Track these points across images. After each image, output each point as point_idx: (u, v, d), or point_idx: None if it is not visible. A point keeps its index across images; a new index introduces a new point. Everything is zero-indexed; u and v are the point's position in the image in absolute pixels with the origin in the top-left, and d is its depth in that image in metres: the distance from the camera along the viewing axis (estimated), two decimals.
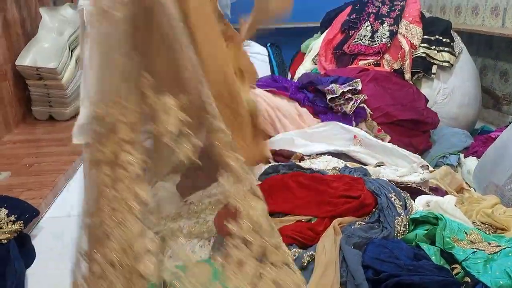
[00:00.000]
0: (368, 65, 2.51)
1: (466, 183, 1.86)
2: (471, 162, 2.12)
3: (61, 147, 2.72)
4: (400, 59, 2.48)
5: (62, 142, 2.76)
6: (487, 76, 3.09)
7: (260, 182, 1.44)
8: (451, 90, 2.48)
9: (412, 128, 2.25)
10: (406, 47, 2.50)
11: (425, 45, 2.51)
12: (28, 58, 3.08)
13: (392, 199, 1.29)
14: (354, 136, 2.00)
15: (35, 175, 2.40)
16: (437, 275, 1.01)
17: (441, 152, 2.22)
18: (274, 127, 2.12)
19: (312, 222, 1.24)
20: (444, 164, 2.06)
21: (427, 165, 1.73)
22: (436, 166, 2.06)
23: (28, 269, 1.60)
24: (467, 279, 1.06)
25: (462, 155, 2.19)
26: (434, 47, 2.50)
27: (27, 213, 1.81)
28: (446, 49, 2.48)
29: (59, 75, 3.11)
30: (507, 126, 2.03)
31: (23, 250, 1.62)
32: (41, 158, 2.63)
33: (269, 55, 3.50)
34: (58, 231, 1.89)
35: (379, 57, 2.53)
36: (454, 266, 1.12)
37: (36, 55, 3.11)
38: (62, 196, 2.28)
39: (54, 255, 1.70)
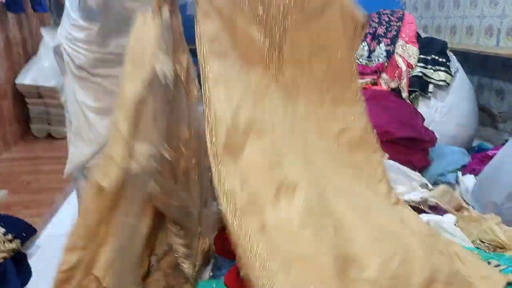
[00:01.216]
0: (366, 84, 2.54)
1: (465, 201, 1.86)
2: (469, 180, 2.12)
3: (60, 165, 2.70)
4: (397, 78, 2.52)
5: (60, 160, 2.74)
6: (483, 94, 3.13)
7: None
8: (449, 109, 2.51)
9: (410, 146, 2.26)
10: (403, 66, 2.53)
11: (422, 64, 2.55)
12: (28, 77, 3.11)
13: None
14: None
15: (33, 193, 2.39)
16: None
17: (439, 170, 2.23)
18: None
19: None
20: (442, 182, 2.06)
21: (427, 184, 1.74)
22: (435, 184, 2.06)
23: None
24: None
25: (460, 173, 2.19)
26: (430, 66, 2.53)
27: (24, 232, 1.80)
28: (442, 68, 2.52)
29: (58, 94, 3.13)
30: (503, 144, 2.05)
31: (19, 269, 1.61)
32: (39, 176, 2.62)
33: None
34: (55, 250, 1.87)
35: (376, 76, 2.57)
36: None
37: (36, 74, 3.14)
38: (60, 214, 2.26)
39: (51, 274, 1.68)
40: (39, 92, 3.14)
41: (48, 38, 3.32)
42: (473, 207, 1.81)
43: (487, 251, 1.27)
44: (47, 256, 1.87)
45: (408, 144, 2.25)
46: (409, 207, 1.29)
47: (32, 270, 1.69)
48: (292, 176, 1.02)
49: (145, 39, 1.08)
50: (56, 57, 1.54)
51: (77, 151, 1.50)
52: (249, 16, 1.13)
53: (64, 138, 3.42)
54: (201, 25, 1.10)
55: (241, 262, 0.88)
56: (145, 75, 1.02)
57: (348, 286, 0.93)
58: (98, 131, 1.48)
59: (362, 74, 2.62)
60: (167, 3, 1.15)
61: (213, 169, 0.98)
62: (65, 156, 1.58)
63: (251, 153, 1.03)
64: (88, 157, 1.49)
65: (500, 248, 1.33)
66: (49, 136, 3.30)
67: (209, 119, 1.01)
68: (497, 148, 2.32)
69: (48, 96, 3.15)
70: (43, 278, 1.69)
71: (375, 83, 2.56)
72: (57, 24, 4.11)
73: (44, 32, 3.35)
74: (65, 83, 1.52)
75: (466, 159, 2.38)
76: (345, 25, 1.21)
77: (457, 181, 2.17)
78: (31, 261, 1.75)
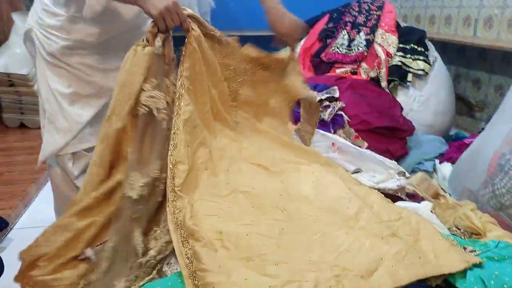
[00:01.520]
0: (345, 73, 2.54)
1: (442, 188, 1.88)
2: (446, 168, 2.15)
3: (33, 155, 2.64)
4: (376, 67, 2.52)
5: (34, 150, 2.68)
6: (460, 84, 3.17)
7: None
8: (427, 98, 2.53)
9: (389, 135, 2.27)
10: (382, 55, 2.53)
11: (401, 53, 2.56)
12: None
13: None
14: (333, 144, 2.00)
15: (5, 185, 2.32)
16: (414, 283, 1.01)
17: (417, 158, 2.25)
18: None
19: None
20: (420, 170, 2.08)
21: (404, 172, 1.75)
22: (413, 172, 2.08)
23: None
24: (443, 285, 1.07)
25: (437, 161, 2.22)
26: (409, 55, 2.54)
27: None
28: (421, 57, 2.53)
29: (30, 82, 3.03)
30: (480, 132, 2.08)
31: None
32: (12, 167, 2.55)
33: None
34: (29, 243, 1.82)
35: (356, 66, 2.56)
36: None
37: (7, 61, 3.03)
38: (33, 206, 2.21)
39: None
40: (10, 80, 3.04)
41: (20, 24, 3.20)
42: (449, 195, 1.84)
43: (463, 238, 1.28)
44: (20, 249, 1.82)
45: (387, 133, 2.27)
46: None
47: (4, 264, 1.64)
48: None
49: (136, 71, 1.15)
50: (27, 43, 1.48)
51: (51, 139, 1.45)
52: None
53: (38, 128, 3.34)
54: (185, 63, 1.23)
55: None
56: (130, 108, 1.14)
57: None
58: (72, 119, 1.44)
59: (342, 63, 2.61)
60: (162, 32, 1.19)
61: (169, 203, 1.09)
62: (39, 146, 1.53)
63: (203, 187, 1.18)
64: (61, 145, 1.44)
65: (476, 235, 1.34)
66: (22, 125, 3.20)
67: (172, 159, 1.14)
68: (473, 136, 2.36)
69: (20, 84, 3.05)
70: (15, 272, 1.66)
71: (354, 73, 2.56)
72: (29, 9, 3.97)
73: (15, 17, 3.23)
74: (37, 69, 1.46)
75: (444, 147, 2.41)
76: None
77: (434, 169, 2.19)
78: (3, 255, 1.70)
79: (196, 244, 0.98)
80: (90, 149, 1.47)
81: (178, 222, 1.05)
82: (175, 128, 1.17)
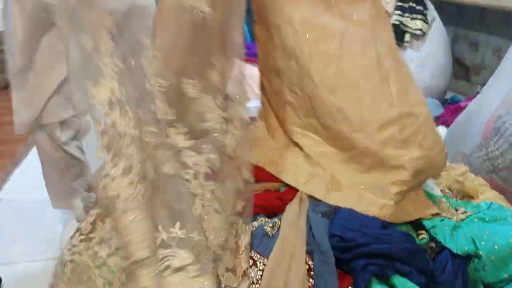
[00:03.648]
0: None
1: None
2: (440, 131, 2.13)
3: None
4: None
5: None
6: (457, 45, 3.10)
7: None
8: (424, 59, 2.47)
9: None
10: None
11: (399, 12, 2.47)
12: None
13: None
14: None
15: None
16: (404, 243, 1.00)
17: None
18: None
19: (281, 191, 1.21)
20: None
21: None
22: None
23: None
24: (432, 244, 1.07)
25: None
26: (407, 14, 2.46)
27: None
28: (419, 16, 2.45)
29: None
30: (475, 96, 2.05)
31: None
32: None
33: None
34: (19, 204, 1.81)
35: None
36: (420, 232, 1.12)
37: None
38: (23, 166, 2.17)
39: (14, 227, 1.64)
40: None
41: None
42: None
43: (455, 199, 1.28)
44: (9, 210, 1.81)
45: None
46: None
47: None
48: None
49: None
50: None
51: (27, 99, 1.37)
52: None
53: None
54: None
55: None
56: None
57: None
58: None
59: None
60: None
61: None
62: None
63: None
64: (41, 107, 1.37)
65: (468, 197, 1.34)
66: (8, 86, 3.11)
67: None
68: (469, 99, 2.32)
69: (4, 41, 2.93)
70: (7, 230, 1.66)
71: None
72: None
73: None
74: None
75: (439, 110, 2.39)
76: None
77: None
78: None
79: None
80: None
81: None
82: None
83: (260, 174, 1.24)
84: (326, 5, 1.19)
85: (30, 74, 1.34)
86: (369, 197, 1.12)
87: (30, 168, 2.10)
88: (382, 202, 1.10)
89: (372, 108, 1.14)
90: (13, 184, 2.01)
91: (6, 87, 3.06)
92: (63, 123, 1.43)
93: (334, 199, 1.13)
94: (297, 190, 1.18)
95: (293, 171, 1.21)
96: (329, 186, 1.15)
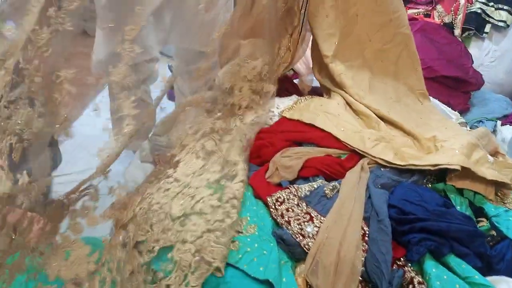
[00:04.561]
0: (418, 15, 2.37)
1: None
2: (507, 131, 2.04)
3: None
4: (453, 12, 2.33)
5: None
6: None
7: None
8: (502, 54, 2.34)
9: (453, 86, 2.14)
10: (462, 0, 2.33)
11: (483, 0, 2.34)
12: None
13: None
14: None
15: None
16: (465, 224, 0.98)
17: (478, 116, 2.13)
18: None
19: (342, 158, 1.22)
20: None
21: (466, 123, 1.66)
22: (470, 129, 1.98)
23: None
24: (493, 233, 1.04)
25: (499, 122, 2.10)
26: (492, 3, 2.32)
27: None
28: (505, 7, 2.30)
29: None
30: None
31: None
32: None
33: None
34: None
35: (430, 8, 2.38)
36: (480, 219, 1.09)
37: None
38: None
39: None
40: None
41: None
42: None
43: None
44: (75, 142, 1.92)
45: (451, 84, 2.14)
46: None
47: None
48: None
49: None
50: None
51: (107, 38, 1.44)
52: None
53: None
54: None
55: None
56: None
57: None
58: None
59: (416, 3, 2.43)
60: None
61: None
62: None
63: None
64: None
65: None
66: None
67: None
68: None
69: None
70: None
71: (427, 15, 2.38)
72: None
73: None
74: None
75: (509, 109, 2.26)
76: None
77: (494, 130, 2.08)
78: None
79: None
80: None
81: None
82: None
83: (324, 140, 1.25)
84: None
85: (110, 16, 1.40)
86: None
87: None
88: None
89: None
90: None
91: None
92: (133, 66, 1.49)
93: (403, 158, 1.15)
94: (359, 159, 1.18)
95: (359, 136, 1.21)
96: (395, 154, 1.15)
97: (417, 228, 0.97)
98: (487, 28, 2.31)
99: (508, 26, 2.31)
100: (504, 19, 2.30)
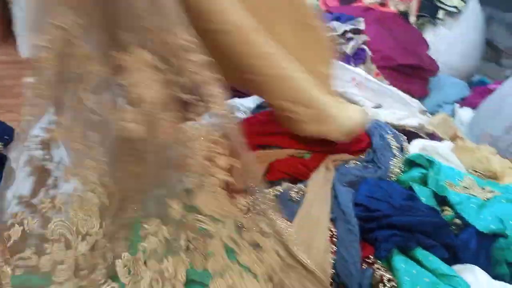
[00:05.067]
0: (373, 4, 2.39)
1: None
2: (465, 113, 2.09)
3: None
4: (407, 0, 2.36)
5: None
6: (491, 26, 2.99)
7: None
8: (455, 38, 2.40)
9: (411, 74, 2.18)
10: None
11: None
12: None
13: (389, 140, 1.25)
14: (352, 78, 1.92)
15: (16, 97, 2.29)
16: (429, 216, 0.99)
17: (437, 100, 2.18)
18: None
19: (306, 158, 1.21)
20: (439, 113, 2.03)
21: (426, 111, 1.69)
22: (431, 114, 2.03)
23: None
24: (457, 221, 1.06)
25: (457, 106, 2.15)
26: None
27: (7, 135, 1.74)
28: None
29: None
30: (505, 79, 1.99)
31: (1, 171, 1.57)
32: (22, 80, 2.51)
33: None
34: None
35: None
36: (444, 208, 1.11)
37: None
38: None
39: None
40: None
41: None
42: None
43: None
44: None
45: (409, 72, 2.17)
46: None
47: None
48: None
49: None
50: None
51: None
52: None
53: None
54: None
55: None
56: None
57: None
58: None
59: None
60: None
61: None
62: None
63: None
64: None
65: (493, 179, 1.32)
66: None
67: None
68: (498, 82, 2.26)
69: None
70: None
71: (383, 4, 2.41)
72: None
73: None
74: None
75: (466, 92, 2.32)
76: None
77: (453, 114, 2.13)
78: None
79: None
80: None
81: None
82: None
83: (284, 141, 1.23)
84: None
85: None
86: None
87: None
88: None
89: None
90: None
91: None
92: None
93: None
94: (323, 158, 1.17)
95: None
96: None
97: (383, 224, 0.97)
98: (441, 14, 2.36)
99: (459, 11, 2.37)
100: (455, 4, 2.35)
